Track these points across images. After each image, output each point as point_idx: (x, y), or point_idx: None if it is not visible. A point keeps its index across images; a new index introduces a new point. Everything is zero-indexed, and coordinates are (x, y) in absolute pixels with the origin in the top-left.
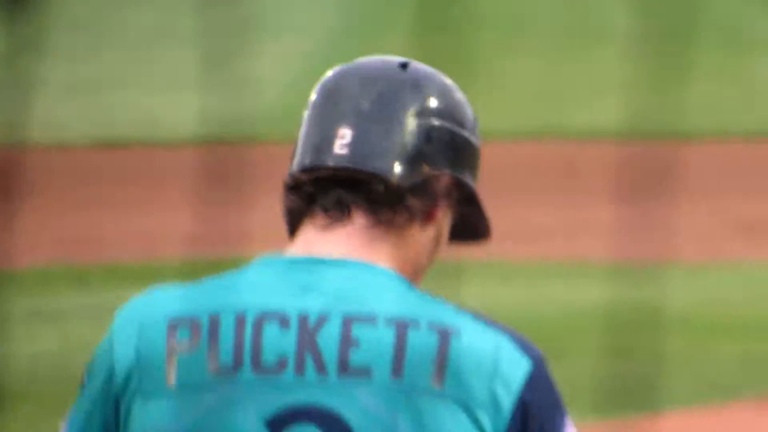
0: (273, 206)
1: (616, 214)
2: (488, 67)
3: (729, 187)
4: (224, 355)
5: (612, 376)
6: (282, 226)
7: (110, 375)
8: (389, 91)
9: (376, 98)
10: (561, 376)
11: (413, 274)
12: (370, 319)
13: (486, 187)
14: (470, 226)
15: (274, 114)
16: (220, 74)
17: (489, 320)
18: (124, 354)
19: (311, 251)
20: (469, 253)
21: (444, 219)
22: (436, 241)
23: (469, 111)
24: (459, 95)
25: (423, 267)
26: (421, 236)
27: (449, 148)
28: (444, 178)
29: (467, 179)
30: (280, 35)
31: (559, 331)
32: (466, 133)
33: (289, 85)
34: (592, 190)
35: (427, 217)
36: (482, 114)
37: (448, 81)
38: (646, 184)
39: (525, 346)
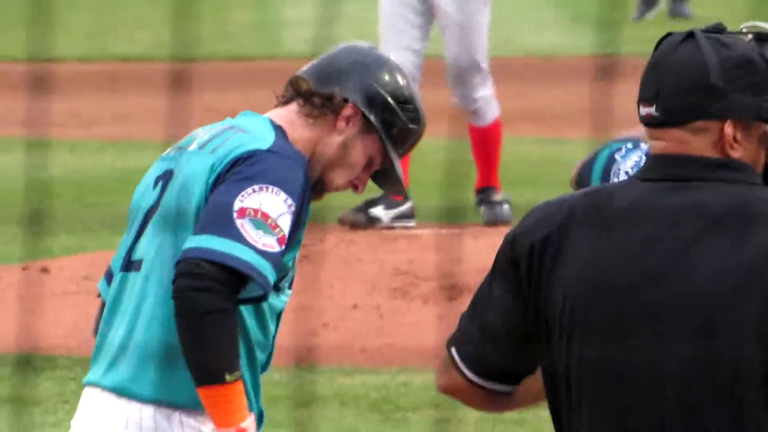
0: None
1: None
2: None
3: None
4: (177, 143)
5: None
6: None
7: None
8: (356, 52)
9: (348, 50)
10: None
11: (314, 154)
12: (230, 128)
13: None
14: (387, 178)
15: None
16: None
17: (282, 136)
18: None
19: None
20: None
21: (354, 140)
22: (342, 149)
23: (401, 90)
24: (400, 78)
25: (325, 158)
26: (329, 136)
27: (364, 91)
28: (348, 105)
29: (374, 121)
30: None
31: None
32: (384, 94)
33: None
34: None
35: (334, 125)
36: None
37: (399, 70)
38: (174, 84)
39: (271, 145)
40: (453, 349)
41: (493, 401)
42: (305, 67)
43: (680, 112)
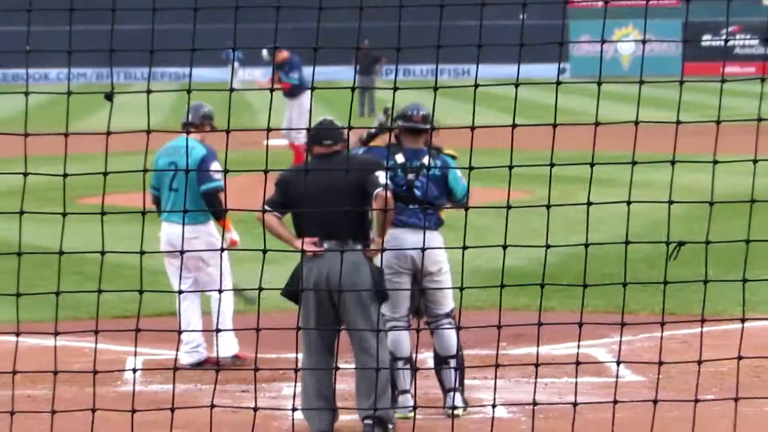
0: None
1: None
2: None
3: None
4: None
5: None
6: None
7: None
8: (205, 105)
9: (200, 104)
10: None
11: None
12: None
13: None
14: None
15: None
16: None
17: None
18: None
19: None
20: None
21: (207, 135)
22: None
23: (212, 113)
24: (209, 110)
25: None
26: (206, 136)
27: (209, 118)
28: (206, 123)
29: (211, 127)
30: None
31: None
32: (210, 118)
33: None
34: None
35: (203, 131)
36: None
37: (206, 107)
38: None
39: (207, 148)
40: (267, 207)
41: (278, 222)
42: (191, 116)
43: (340, 140)
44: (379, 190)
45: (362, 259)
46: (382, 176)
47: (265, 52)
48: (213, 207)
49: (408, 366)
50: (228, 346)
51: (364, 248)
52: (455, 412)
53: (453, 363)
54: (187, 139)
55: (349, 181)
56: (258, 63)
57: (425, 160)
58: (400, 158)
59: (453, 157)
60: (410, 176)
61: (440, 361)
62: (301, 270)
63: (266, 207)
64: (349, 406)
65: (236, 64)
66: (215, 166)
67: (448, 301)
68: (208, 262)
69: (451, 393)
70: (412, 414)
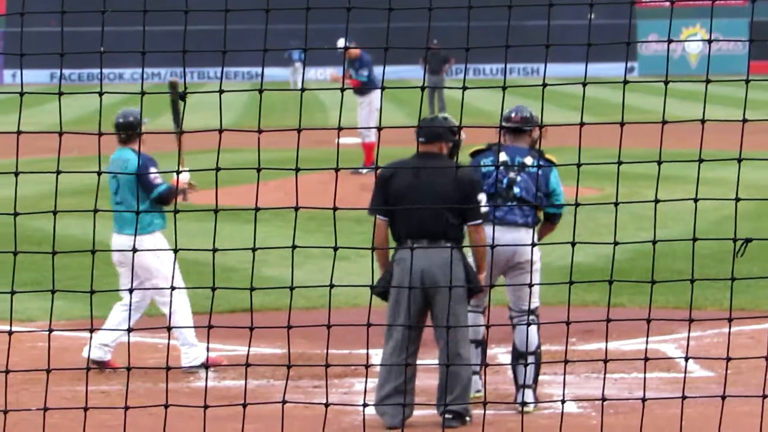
0: None
1: None
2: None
3: None
4: None
5: None
6: None
7: None
8: (135, 113)
9: (132, 112)
10: None
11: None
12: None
13: None
14: None
15: None
16: None
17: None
18: None
19: None
20: None
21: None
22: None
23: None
24: (137, 116)
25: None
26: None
27: (138, 122)
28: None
29: (143, 129)
30: None
31: None
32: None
33: None
34: None
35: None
36: None
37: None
38: None
39: (142, 156)
40: (375, 213)
41: (385, 231)
42: (122, 128)
43: (436, 140)
44: (470, 224)
45: (456, 258)
46: (483, 202)
47: (341, 41)
48: (168, 204)
49: (479, 348)
50: (191, 355)
51: (454, 247)
52: (525, 408)
53: (530, 360)
54: (118, 151)
55: (447, 186)
56: (319, 62)
57: (527, 159)
58: (503, 156)
59: (552, 163)
60: (512, 174)
61: (517, 356)
62: (392, 267)
63: (371, 211)
64: (421, 402)
65: (297, 64)
66: (153, 170)
67: (535, 298)
68: (151, 273)
69: (523, 389)
70: (480, 394)
